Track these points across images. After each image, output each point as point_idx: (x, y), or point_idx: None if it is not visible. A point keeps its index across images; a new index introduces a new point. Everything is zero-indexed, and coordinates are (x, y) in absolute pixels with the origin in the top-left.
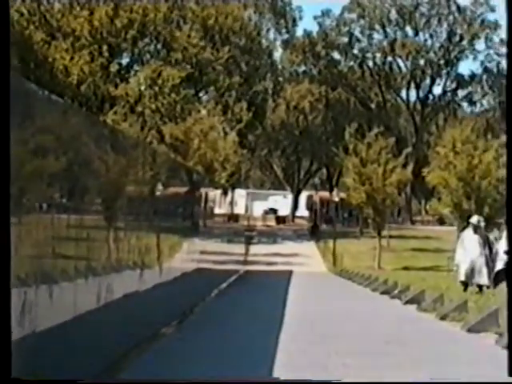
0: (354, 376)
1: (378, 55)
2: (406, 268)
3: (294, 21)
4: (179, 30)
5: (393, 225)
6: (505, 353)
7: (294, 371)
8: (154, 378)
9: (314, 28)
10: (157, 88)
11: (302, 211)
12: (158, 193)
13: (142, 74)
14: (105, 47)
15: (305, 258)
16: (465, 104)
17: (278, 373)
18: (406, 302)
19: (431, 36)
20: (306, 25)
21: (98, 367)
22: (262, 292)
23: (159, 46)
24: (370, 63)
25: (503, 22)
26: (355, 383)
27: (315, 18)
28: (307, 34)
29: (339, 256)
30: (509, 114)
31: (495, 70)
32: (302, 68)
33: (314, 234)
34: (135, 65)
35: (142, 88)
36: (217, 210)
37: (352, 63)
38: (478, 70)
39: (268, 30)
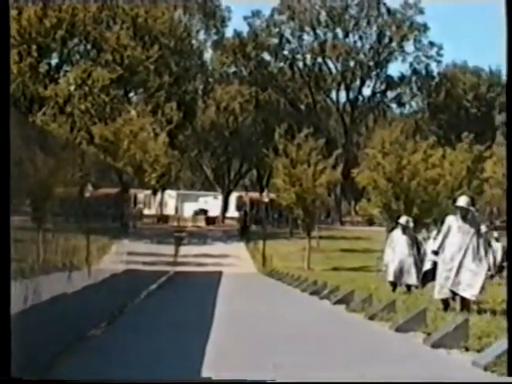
0: (285, 377)
1: (308, 56)
2: (335, 268)
3: (224, 21)
4: (109, 31)
5: (322, 225)
6: (431, 351)
7: (224, 371)
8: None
9: (244, 29)
10: (86, 88)
11: (232, 212)
12: (87, 194)
13: (71, 74)
14: (34, 47)
15: (235, 259)
16: (394, 105)
17: (206, 373)
18: (335, 303)
19: (361, 38)
20: (236, 26)
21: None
22: (192, 293)
23: (89, 47)
24: (300, 64)
25: (432, 24)
26: (350, 383)
27: (245, 18)
28: (237, 34)
29: (269, 257)
30: (509, 114)
31: (424, 71)
32: (232, 69)
33: (244, 234)
34: (65, 65)
35: (72, 88)
36: (146, 211)
37: (282, 64)
38: (407, 72)
39: (198, 31)
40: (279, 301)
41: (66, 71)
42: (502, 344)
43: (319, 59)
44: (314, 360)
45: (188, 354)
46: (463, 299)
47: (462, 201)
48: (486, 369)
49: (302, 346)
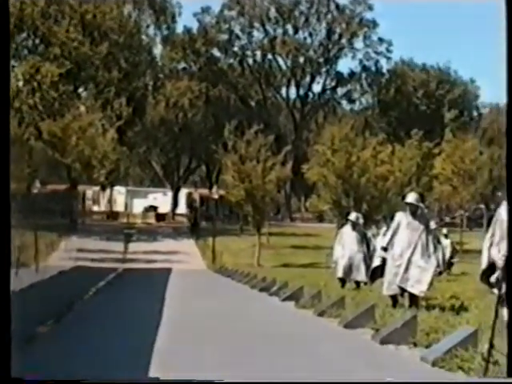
0: (233, 376)
1: (258, 53)
2: (285, 265)
3: (174, 17)
4: (57, 25)
5: (272, 222)
6: (380, 347)
7: (171, 371)
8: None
9: (194, 25)
10: (35, 84)
11: (182, 209)
12: (35, 190)
13: (19, 69)
14: None
15: (184, 256)
16: (344, 102)
17: (155, 372)
18: (285, 299)
19: (310, 34)
20: (186, 21)
21: None
22: (141, 290)
23: (37, 41)
24: (250, 61)
25: (381, 21)
26: (352, 383)
27: (195, 14)
28: (187, 30)
29: (219, 253)
30: (509, 114)
31: (373, 68)
32: (182, 65)
33: (194, 231)
34: (12, 60)
35: (20, 84)
36: (96, 208)
37: (232, 60)
38: (357, 69)
39: (148, 27)
40: (227, 298)
41: (14, 66)
42: (449, 340)
43: (269, 55)
44: (262, 358)
45: (135, 353)
46: (412, 295)
47: (411, 197)
48: (434, 364)
49: (249, 344)
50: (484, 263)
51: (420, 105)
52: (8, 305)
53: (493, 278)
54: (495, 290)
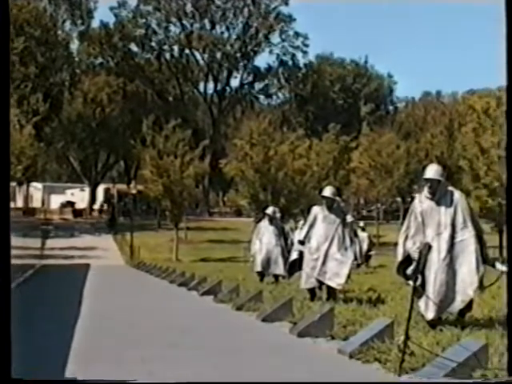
0: (156, 371)
1: (176, 48)
2: (203, 259)
3: (90, 12)
4: None
5: (191, 217)
6: (297, 340)
7: (89, 367)
8: None
9: (111, 19)
10: None
11: (100, 204)
12: None
13: None
14: None
15: (102, 251)
16: (262, 97)
17: (72, 369)
18: (203, 294)
19: (227, 29)
20: (103, 16)
21: None
22: (58, 287)
23: None
24: (168, 56)
25: (297, 16)
26: (352, 383)
27: (111, 9)
28: (103, 25)
29: (137, 248)
30: (509, 114)
31: (290, 62)
32: (99, 60)
33: (112, 226)
34: None
35: None
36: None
37: (149, 55)
38: (275, 63)
39: (64, 21)
40: (146, 293)
41: None
42: (366, 332)
43: (186, 50)
44: (180, 351)
45: (53, 350)
46: (329, 288)
47: (328, 191)
48: (351, 356)
49: (170, 338)
50: (400, 256)
51: (337, 99)
52: (8, 305)
53: (408, 271)
54: (411, 282)
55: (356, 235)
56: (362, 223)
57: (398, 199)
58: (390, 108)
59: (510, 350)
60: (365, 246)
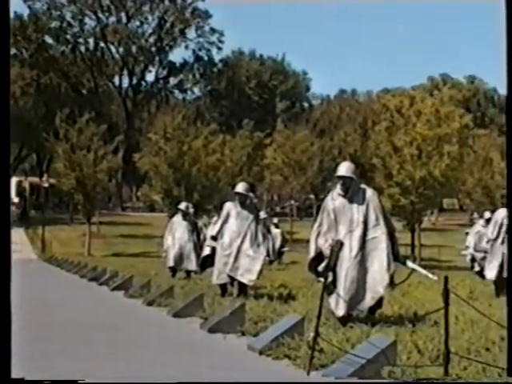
0: (64, 366)
1: (91, 41)
2: (116, 254)
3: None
4: None
5: (104, 211)
6: (208, 336)
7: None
8: None
9: (25, 11)
10: None
11: (12, 197)
12: None
13: None
14: None
15: (13, 245)
16: (177, 91)
17: None
18: (114, 289)
19: (143, 23)
20: (17, 7)
21: None
22: None
23: None
24: (83, 48)
25: (213, 12)
26: (354, 383)
27: (25, 0)
28: (17, 17)
29: (48, 243)
30: (509, 114)
31: (206, 58)
32: (13, 51)
33: (24, 220)
34: None
35: None
36: None
37: (64, 48)
38: (190, 59)
39: None
40: (56, 287)
41: None
42: (276, 328)
43: (102, 44)
44: (90, 346)
45: None
46: (241, 284)
47: (241, 187)
48: (261, 353)
49: (76, 333)
50: (311, 252)
51: (253, 95)
52: (8, 305)
53: (320, 267)
54: (322, 279)
55: (269, 232)
56: (275, 220)
57: (312, 196)
58: (306, 105)
59: (509, 350)
60: (278, 243)
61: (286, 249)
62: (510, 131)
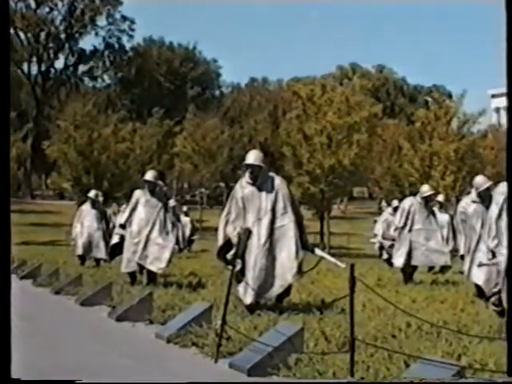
0: None
1: None
2: (25, 243)
3: None
4: None
5: (13, 199)
6: (116, 324)
7: None
8: None
9: None
10: None
11: None
12: None
13: None
14: None
15: None
16: (87, 79)
17: None
18: (22, 277)
19: (52, 9)
20: None
21: None
22: None
23: None
24: None
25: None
26: (353, 383)
27: None
28: None
29: None
30: (509, 113)
31: (116, 45)
32: None
33: None
34: None
35: None
36: None
37: None
38: (101, 46)
39: None
40: None
41: None
42: (184, 316)
43: (11, 30)
44: None
45: None
46: (150, 272)
47: (150, 175)
48: (168, 341)
49: None
50: (220, 240)
51: (163, 82)
52: (8, 305)
53: (229, 255)
54: (230, 267)
55: (179, 220)
56: (185, 208)
57: (222, 184)
58: (217, 93)
59: (509, 350)
60: (187, 231)
61: (195, 237)
62: (510, 131)
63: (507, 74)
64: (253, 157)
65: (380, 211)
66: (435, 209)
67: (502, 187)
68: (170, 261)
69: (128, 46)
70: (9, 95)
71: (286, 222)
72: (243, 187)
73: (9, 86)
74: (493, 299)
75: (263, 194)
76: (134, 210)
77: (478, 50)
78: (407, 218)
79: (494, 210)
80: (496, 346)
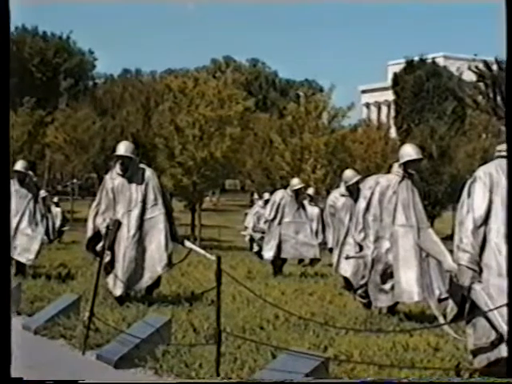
0: None
1: None
2: None
3: None
4: None
5: None
6: None
7: None
8: None
9: None
10: None
11: None
12: None
13: None
14: None
15: None
16: None
17: None
18: None
19: None
20: None
21: None
22: None
23: None
24: None
25: None
26: (354, 383)
27: None
28: None
29: None
30: (509, 113)
31: None
32: None
33: None
34: None
35: None
36: None
37: None
38: None
39: None
40: None
41: None
42: (52, 308)
43: None
44: None
45: None
46: (19, 264)
47: (19, 165)
48: (36, 332)
49: None
50: (89, 232)
51: (36, 72)
52: (8, 305)
53: (98, 247)
54: (99, 259)
55: (49, 210)
56: (56, 198)
57: (94, 175)
58: (90, 84)
59: (510, 349)
60: (58, 222)
61: (66, 228)
62: (510, 131)
63: (507, 74)
64: (123, 148)
65: (251, 204)
66: (305, 202)
67: (371, 181)
68: (39, 252)
69: None
70: (8, 95)
71: (156, 214)
72: (113, 178)
73: (8, 86)
74: (359, 291)
75: (133, 185)
76: None
77: (353, 46)
78: (277, 211)
79: (362, 203)
80: (361, 338)
